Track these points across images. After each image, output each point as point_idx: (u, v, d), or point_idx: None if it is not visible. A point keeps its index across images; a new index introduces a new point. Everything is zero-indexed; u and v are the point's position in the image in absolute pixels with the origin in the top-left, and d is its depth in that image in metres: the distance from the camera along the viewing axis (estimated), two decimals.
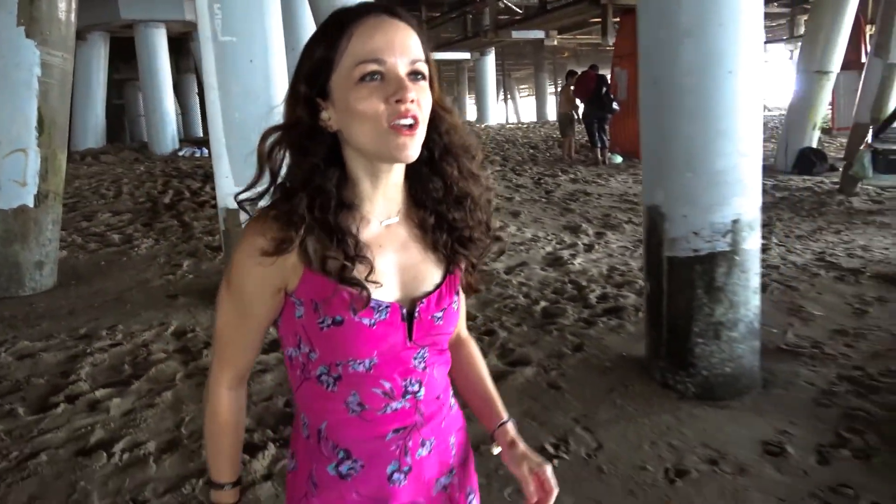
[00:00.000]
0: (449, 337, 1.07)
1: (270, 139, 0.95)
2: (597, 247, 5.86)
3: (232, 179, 4.24)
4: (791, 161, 9.91)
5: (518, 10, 15.78)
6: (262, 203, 0.97)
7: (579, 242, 5.99)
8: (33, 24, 4.40)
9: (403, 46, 0.90)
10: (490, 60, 21.54)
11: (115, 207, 7.73)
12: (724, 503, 2.30)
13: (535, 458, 1.09)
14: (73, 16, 4.77)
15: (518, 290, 4.59)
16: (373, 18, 0.91)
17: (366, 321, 0.95)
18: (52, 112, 4.79)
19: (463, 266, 1.06)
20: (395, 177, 0.99)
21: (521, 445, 1.11)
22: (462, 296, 1.11)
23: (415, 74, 0.90)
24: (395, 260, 1.00)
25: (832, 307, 4.19)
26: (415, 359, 1.01)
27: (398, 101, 0.88)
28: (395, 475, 1.03)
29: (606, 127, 11.11)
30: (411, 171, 1.01)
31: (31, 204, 4.74)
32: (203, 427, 1.08)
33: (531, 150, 13.53)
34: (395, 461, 1.03)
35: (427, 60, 0.93)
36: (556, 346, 3.63)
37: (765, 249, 5.48)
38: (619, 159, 11.30)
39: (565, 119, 12.16)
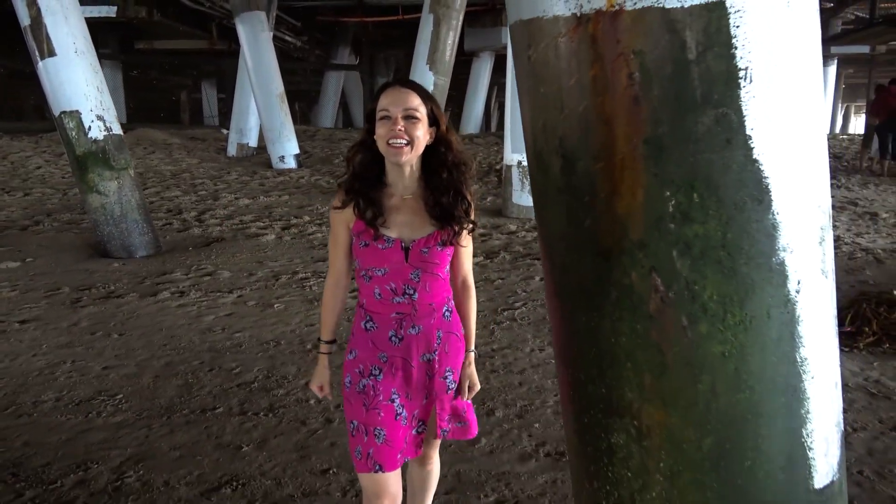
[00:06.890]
0: (439, 267, 1.64)
1: (353, 149, 1.64)
2: None
3: (510, 148, 7.77)
4: None
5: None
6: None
7: None
8: (433, 63, 8.61)
9: (402, 102, 1.53)
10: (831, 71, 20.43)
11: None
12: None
13: (475, 379, 1.79)
14: (453, 56, 8.85)
15: None
16: (390, 88, 1.57)
17: (380, 246, 1.60)
18: None
19: (455, 229, 1.63)
20: (407, 170, 1.59)
21: (471, 369, 1.78)
22: (462, 249, 1.70)
23: (408, 117, 1.53)
24: (404, 217, 1.62)
25: None
26: (411, 274, 1.61)
27: (391, 129, 1.52)
28: (393, 338, 1.65)
29: None
30: (426, 171, 1.62)
31: None
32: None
33: (832, 160, 14.06)
34: (393, 330, 1.65)
35: (428, 108, 1.56)
36: None
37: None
38: None
39: (869, 131, 12.63)
